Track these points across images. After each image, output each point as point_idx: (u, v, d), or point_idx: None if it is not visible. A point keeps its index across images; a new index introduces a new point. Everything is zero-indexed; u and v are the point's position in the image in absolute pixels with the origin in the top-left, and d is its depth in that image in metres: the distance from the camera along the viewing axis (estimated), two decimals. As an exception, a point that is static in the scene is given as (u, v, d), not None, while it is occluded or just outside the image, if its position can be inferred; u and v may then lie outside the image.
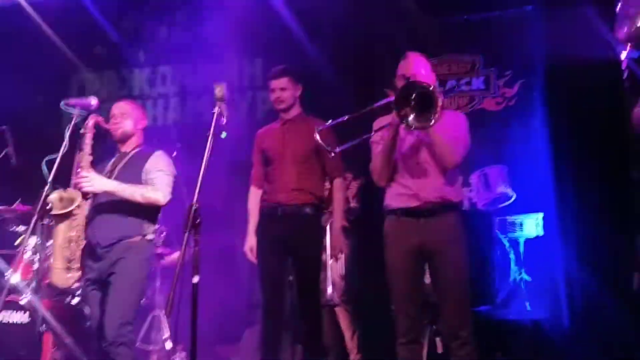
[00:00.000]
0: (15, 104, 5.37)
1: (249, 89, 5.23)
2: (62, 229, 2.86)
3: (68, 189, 2.89)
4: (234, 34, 4.88)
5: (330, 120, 2.98)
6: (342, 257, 4.07)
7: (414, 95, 2.61)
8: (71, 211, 2.84)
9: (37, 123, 5.27)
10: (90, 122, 2.98)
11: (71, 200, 2.87)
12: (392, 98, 2.68)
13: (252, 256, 3.42)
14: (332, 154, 2.99)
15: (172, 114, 5.44)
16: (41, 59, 5.42)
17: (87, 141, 2.96)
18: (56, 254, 2.88)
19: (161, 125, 5.42)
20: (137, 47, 5.21)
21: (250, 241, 3.42)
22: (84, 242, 2.94)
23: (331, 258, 3.61)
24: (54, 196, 2.78)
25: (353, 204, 4.27)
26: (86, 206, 2.99)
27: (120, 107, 3.23)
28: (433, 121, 2.57)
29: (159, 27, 4.94)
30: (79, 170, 2.93)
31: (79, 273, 2.91)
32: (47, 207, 2.55)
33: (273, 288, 3.33)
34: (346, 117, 2.86)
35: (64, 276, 2.88)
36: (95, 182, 2.93)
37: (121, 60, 5.46)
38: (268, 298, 3.33)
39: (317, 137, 2.85)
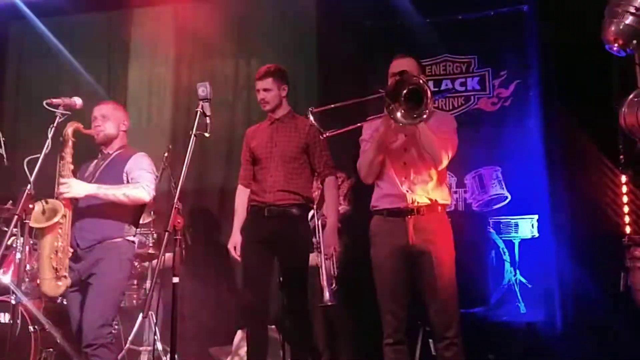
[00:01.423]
0: (8, 105, 5.40)
1: (244, 88, 5.20)
2: (48, 240, 2.86)
3: (50, 200, 2.88)
4: (230, 33, 4.88)
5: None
6: (334, 256, 4.06)
7: (405, 90, 2.59)
8: (56, 223, 2.84)
9: (29, 124, 5.27)
10: (70, 129, 2.96)
11: (54, 211, 2.86)
12: (383, 92, 2.67)
13: (234, 254, 3.40)
14: (323, 136, 2.93)
15: (166, 114, 5.42)
16: (33, 57, 5.41)
17: (68, 150, 2.95)
18: (44, 265, 2.87)
19: (154, 125, 5.41)
20: (132, 45, 5.19)
21: (234, 239, 3.40)
22: (71, 250, 2.93)
23: (325, 257, 3.56)
24: (36, 209, 2.77)
25: (343, 206, 4.25)
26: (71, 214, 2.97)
27: (101, 110, 3.21)
28: (424, 116, 2.54)
29: (153, 25, 4.92)
30: (60, 179, 2.92)
31: (68, 281, 2.91)
32: (30, 206, 2.53)
33: (256, 288, 3.31)
34: (337, 104, 2.82)
35: (54, 285, 2.88)
36: (73, 188, 2.91)
37: (115, 58, 5.44)
38: (251, 298, 3.32)
39: (311, 117, 2.80)
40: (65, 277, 2.87)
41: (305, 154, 3.40)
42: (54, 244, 2.86)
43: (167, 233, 2.21)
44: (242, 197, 3.48)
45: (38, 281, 3.71)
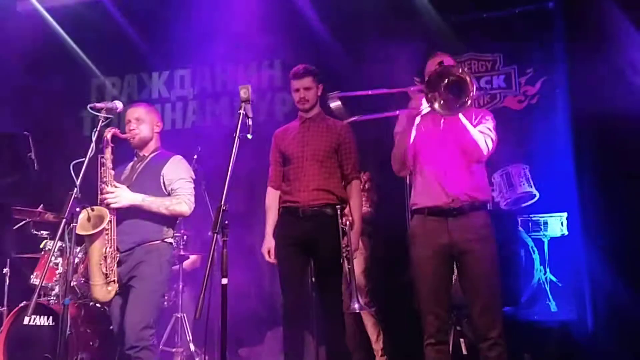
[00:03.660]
0: (36, 109, 5.45)
1: (268, 90, 5.23)
2: (97, 246, 2.88)
3: (95, 207, 2.90)
4: (253, 35, 4.89)
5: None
6: (360, 257, 4.08)
7: (445, 81, 2.58)
8: (102, 229, 2.86)
9: (58, 128, 5.32)
10: (108, 135, 2.97)
11: (100, 218, 2.88)
12: (421, 86, 2.66)
13: (269, 257, 3.38)
14: (346, 121, 2.92)
15: (191, 117, 5.45)
16: (61, 64, 5.47)
17: (108, 155, 2.96)
18: (94, 271, 2.89)
19: (180, 128, 5.45)
20: (155, 50, 5.23)
21: (268, 242, 3.38)
22: (118, 254, 2.95)
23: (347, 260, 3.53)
24: (81, 216, 2.78)
25: (365, 208, 4.26)
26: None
27: (135, 112, 3.20)
28: (467, 104, 2.54)
29: (177, 30, 4.95)
30: (103, 186, 2.94)
31: (117, 285, 2.93)
32: (76, 210, 2.55)
33: (294, 289, 3.29)
34: (362, 92, 2.84)
35: (105, 291, 2.90)
36: (121, 198, 2.94)
37: (140, 63, 5.48)
38: (289, 299, 3.29)
39: (338, 102, 2.78)
40: (114, 281, 2.89)
41: (336, 154, 3.39)
42: (102, 250, 2.88)
43: (215, 235, 2.21)
44: (272, 200, 3.45)
45: (78, 281, 3.81)
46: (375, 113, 2.98)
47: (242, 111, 2.44)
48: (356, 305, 3.21)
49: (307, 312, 3.36)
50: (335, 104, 2.93)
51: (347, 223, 3.30)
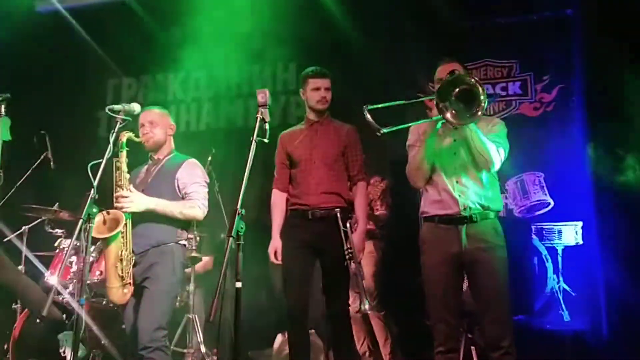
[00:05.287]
0: (53, 108, 5.50)
1: (282, 93, 5.24)
2: (112, 249, 2.90)
3: (111, 210, 2.92)
4: (268, 38, 4.91)
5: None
6: (371, 260, 4.07)
7: (456, 90, 2.57)
8: (118, 232, 2.89)
9: (75, 128, 5.36)
10: (123, 139, 2.99)
11: (115, 221, 2.90)
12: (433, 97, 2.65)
13: (275, 259, 3.39)
14: (380, 133, 2.80)
15: (206, 119, 5.48)
16: (78, 64, 5.51)
17: (123, 159, 2.99)
18: (110, 273, 2.91)
19: (194, 130, 5.47)
20: (172, 52, 5.26)
21: (274, 243, 3.39)
22: (134, 258, 2.97)
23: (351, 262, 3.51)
24: (97, 219, 2.80)
25: (381, 211, 4.25)
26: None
27: (149, 116, 3.21)
28: (479, 114, 2.52)
29: (194, 32, 4.98)
30: (118, 190, 2.96)
31: (132, 288, 2.95)
32: (94, 210, 2.57)
33: (298, 292, 3.29)
34: (392, 103, 2.81)
35: (121, 293, 2.92)
36: (136, 202, 2.96)
37: (157, 64, 5.52)
38: (293, 302, 3.30)
39: (368, 115, 2.75)
40: (130, 284, 2.91)
41: (343, 157, 3.41)
42: (118, 252, 2.90)
43: (229, 238, 2.22)
44: (278, 201, 3.46)
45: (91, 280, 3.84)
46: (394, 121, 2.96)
47: (259, 115, 2.44)
48: (365, 307, 3.21)
49: (308, 313, 3.33)
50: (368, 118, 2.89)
51: (348, 225, 3.29)
